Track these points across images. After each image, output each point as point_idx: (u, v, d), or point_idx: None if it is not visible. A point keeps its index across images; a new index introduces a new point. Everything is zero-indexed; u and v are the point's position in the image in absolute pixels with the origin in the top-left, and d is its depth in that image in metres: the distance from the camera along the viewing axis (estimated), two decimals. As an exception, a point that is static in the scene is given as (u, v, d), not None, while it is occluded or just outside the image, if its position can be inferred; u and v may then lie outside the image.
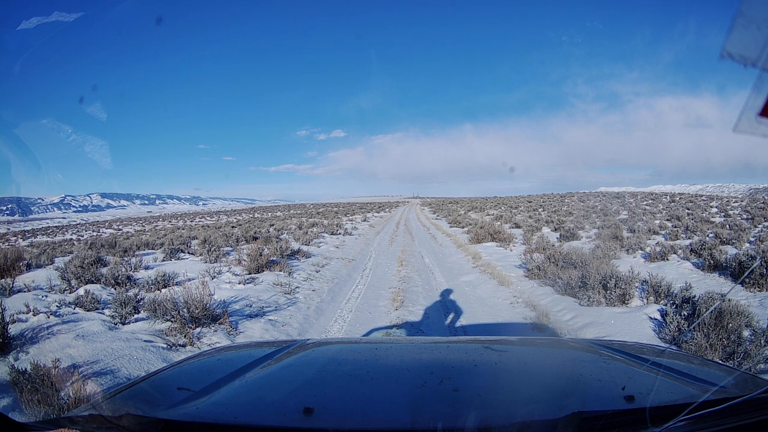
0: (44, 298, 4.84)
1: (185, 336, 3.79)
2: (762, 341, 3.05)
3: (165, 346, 3.57)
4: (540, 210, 25.74)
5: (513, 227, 15.24)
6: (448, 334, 4.24)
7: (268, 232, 14.70)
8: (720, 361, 2.88)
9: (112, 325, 4.02)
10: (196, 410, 0.90)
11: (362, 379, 1.10)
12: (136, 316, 4.26)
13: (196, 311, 4.00)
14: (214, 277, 6.39)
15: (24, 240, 35.83)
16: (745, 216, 16.66)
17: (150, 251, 10.12)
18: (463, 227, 16.65)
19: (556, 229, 13.52)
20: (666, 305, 4.13)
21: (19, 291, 5.07)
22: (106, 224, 60.23)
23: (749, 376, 1.19)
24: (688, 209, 21.52)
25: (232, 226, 21.70)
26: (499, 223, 16.31)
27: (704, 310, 3.60)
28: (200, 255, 8.52)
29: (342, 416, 0.91)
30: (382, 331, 4.39)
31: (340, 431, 0.84)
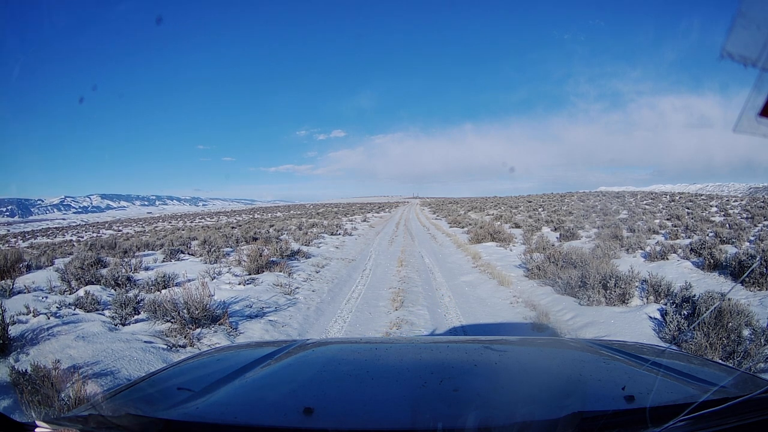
0: (44, 299, 4.84)
1: (185, 337, 3.79)
2: (762, 340, 3.05)
3: (165, 346, 3.57)
4: (540, 210, 25.74)
5: (513, 227, 15.24)
6: (448, 334, 4.24)
7: (268, 232, 14.70)
8: (720, 361, 2.88)
9: (113, 326, 4.02)
10: (196, 410, 0.90)
11: (362, 379, 1.10)
12: (136, 317, 4.26)
13: (196, 312, 3.99)
14: (214, 277, 6.39)
15: (24, 241, 35.81)
16: (745, 215, 16.66)
17: (150, 252, 10.12)
18: (462, 227, 16.65)
19: (555, 229, 13.52)
20: (666, 305, 4.13)
21: (19, 292, 5.07)
22: (106, 225, 60.19)
23: (749, 376, 1.19)
24: (688, 208, 21.52)
25: (232, 227, 21.70)
26: (498, 223, 16.31)
27: (704, 309, 3.60)
28: (200, 256, 8.52)
29: (342, 416, 0.91)
30: (382, 331, 4.39)
31: (340, 431, 0.84)
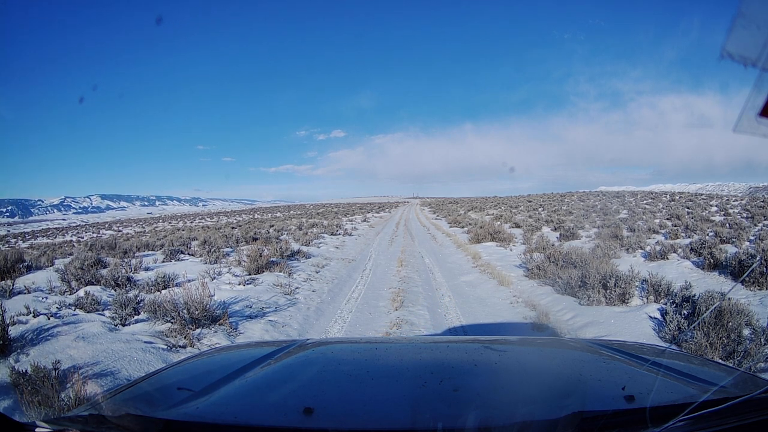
0: (44, 299, 4.83)
1: (185, 337, 3.79)
2: (762, 340, 3.05)
3: (165, 347, 3.57)
4: (540, 209, 25.74)
5: (513, 227, 15.24)
6: (448, 334, 4.24)
7: (268, 232, 14.70)
8: (720, 361, 2.88)
9: (113, 326, 4.02)
10: (196, 410, 0.90)
11: (362, 379, 1.11)
12: (136, 317, 4.26)
13: (196, 312, 3.99)
14: (214, 278, 6.39)
15: (24, 241, 35.81)
16: (745, 215, 16.66)
17: (150, 252, 10.12)
18: (462, 227, 16.66)
19: (556, 229, 13.52)
20: (666, 304, 4.13)
21: (19, 293, 5.07)
22: (106, 225, 60.18)
23: (749, 376, 1.19)
24: (688, 208, 21.52)
25: (232, 227, 21.70)
26: (498, 222, 16.31)
27: (704, 309, 3.60)
28: (200, 256, 8.52)
29: (342, 416, 0.91)
30: (382, 331, 4.39)
31: (340, 431, 0.84)
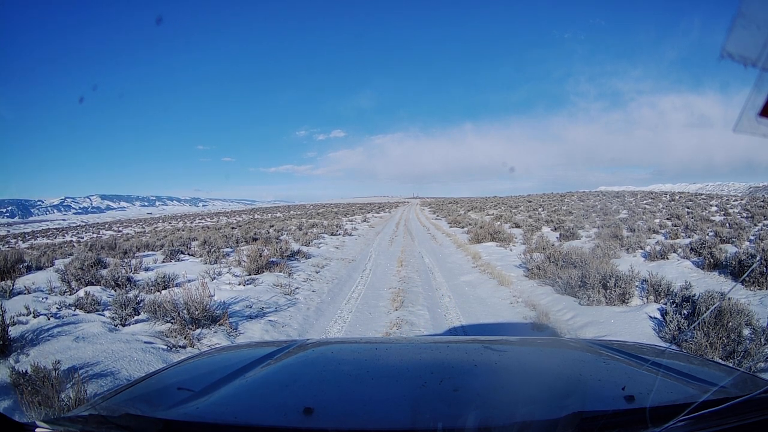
0: (44, 300, 4.83)
1: (185, 337, 3.79)
2: (762, 340, 3.05)
3: (165, 347, 3.57)
4: (540, 209, 25.74)
5: (513, 227, 15.23)
6: (448, 334, 4.24)
7: (268, 233, 14.69)
8: (720, 361, 2.88)
9: (113, 326, 4.02)
10: (196, 410, 0.90)
11: (362, 379, 1.11)
12: (136, 317, 4.26)
13: (196, 312, 3.99)
14: (214, 278, 6.39)
15: (24, 242, 35.80)
16: (744, 214, 16.66)
17: (150, 253, 10.12)
18: (462, 227, 16.65)
19: (555, 229, 13.52)
20: (666, 304, 4.13)
21: (19, 293, 5.07)
22: (106, 226, 60.17)
23: (749, 376, 1.19)
24: (688, 208, 21.52)
25: (232, 228, 21.70)
26: (498, 222, 16.31)
27: (704, 309, 3.60)
28: (200, 256, 8.51)
29: (342, 416, 0.91)
30: (382, 331, 4.39)
31: (340, 431, 0.84)
